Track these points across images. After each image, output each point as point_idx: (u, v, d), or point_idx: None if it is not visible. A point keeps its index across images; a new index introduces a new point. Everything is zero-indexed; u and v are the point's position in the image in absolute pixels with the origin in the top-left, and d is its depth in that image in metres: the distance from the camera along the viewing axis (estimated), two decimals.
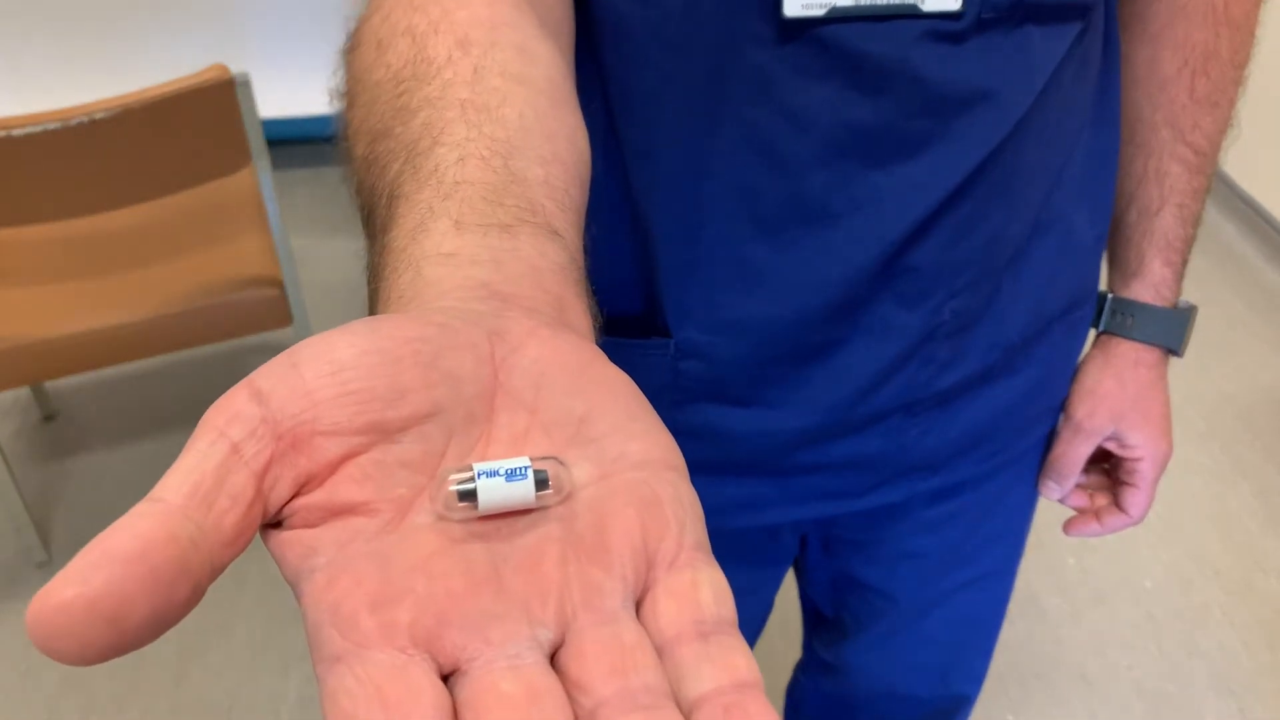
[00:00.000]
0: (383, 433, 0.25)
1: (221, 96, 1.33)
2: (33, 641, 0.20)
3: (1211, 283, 2.29)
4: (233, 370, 2.04)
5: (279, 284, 1.53)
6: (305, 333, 1.59)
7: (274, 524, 0.24)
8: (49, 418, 1.94)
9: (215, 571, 0.22)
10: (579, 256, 0.35)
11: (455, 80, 0.38)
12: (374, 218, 0.37)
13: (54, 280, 1.55)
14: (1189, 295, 0.70)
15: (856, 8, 0.49)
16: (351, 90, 0.43)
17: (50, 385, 1.97)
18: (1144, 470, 0.73)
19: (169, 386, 2.01)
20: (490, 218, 0.32)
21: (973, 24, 0.50)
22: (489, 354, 0.27)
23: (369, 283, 0.35)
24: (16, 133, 1.23)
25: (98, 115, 1.26)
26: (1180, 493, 1.80)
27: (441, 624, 0.22)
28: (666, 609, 0.24)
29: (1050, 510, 1.76)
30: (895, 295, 0.57)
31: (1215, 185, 2.51)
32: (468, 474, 0.24)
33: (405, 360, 0.25)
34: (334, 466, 0.24)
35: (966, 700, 0.89)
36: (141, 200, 1.43)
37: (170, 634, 1.57)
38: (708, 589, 0.24)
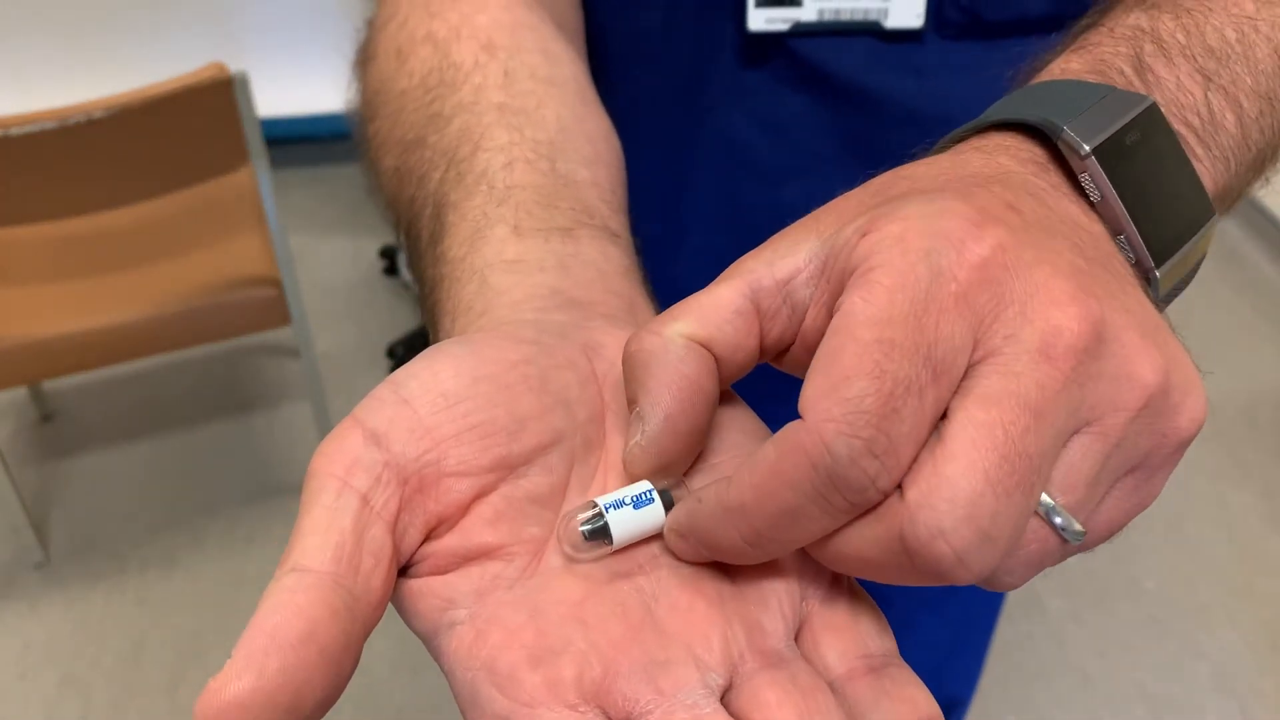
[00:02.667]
0: (509, 468, 0.24)
1: (219, 95, 1.33)
2: None
3: (1214, 282, 2.29)
4: (231, 370, 2.04)
5: (277, 283, 1.52)
6: (304, 332, 1.59)
7: (400, 572, 0.23)
8: (46, 418, 1.93)
9: (367, 635, 0.21)
10: (636, 257, 0.34)
11: (487, 84, 0.37)
12: (417, 229, 0.36)
13: (50, 280, 1.55)
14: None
15: (820, 24, 0.49)
16: (373, 102, 0.42)
17: (48, 385, 1.96)
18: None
19: (167, 387, 2.00)
20: (548, 222, 0.32)
21: (934, 41, 0.50)
22: (590, 372, 0.26)
23: (425, 295, 0.34)
24: (14, 132, 1.22)
25: (95, 114, 1.25)
26: (1183, 493, 1.80)
27: (609, 675, 0.21)
28: (831, 645, 0.23)
29: None
30: None
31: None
32: (594, 511, 0.23)
33: (516, 386, 0.24)
34: (464, 508, 0.23)
35: (961, 703, 0.89)
36: (139, 199, 1.43)
37: (167, 637, 1.57)
38: (867, 620, 0.24)
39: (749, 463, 0.21)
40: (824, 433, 0.20)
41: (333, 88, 2.48)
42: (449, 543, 0.23)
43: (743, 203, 0.55)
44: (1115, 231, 0.26)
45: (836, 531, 0.22)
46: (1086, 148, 0.26)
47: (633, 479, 0.24)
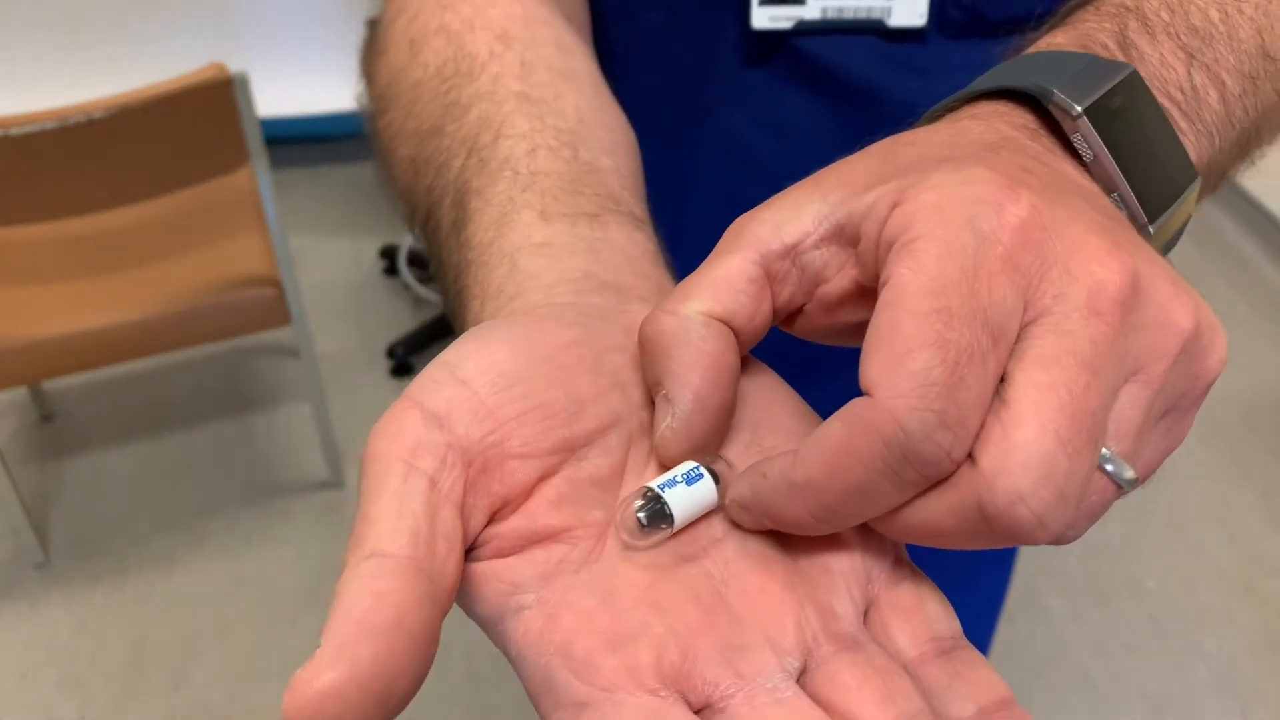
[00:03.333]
0: (570, 449, 0.24)
1: (219, 95, 1.33)
2: None
3: (1214, 282, 2.29)
4: (231, 370, 2.04)
5: (277, 284, 1.52)
6: (304, 332, 1.59)
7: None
8: (47, 418, 1.93)
9: (442, 621, 0.21)
10: (660, 242, 0.34)
11: (504, 74, 0.37)
12: (437, 217, 0.36)
13: (50, 280, 1.55)
14: None
15: (823, 22, 0.49)
16: (385, 94, 0.42)
17: (48, 386, 1.96)
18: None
19: (166, 387, 2.00)
20: (574, 207, 0.32)
21: (937, 40, 0.50)
22: (638, 354, 0.26)
23: (449, 281, 0.34)
24: (14, 132, 1.22)
25: (95, 114, 1.25)
26: (1183, 493, 1.80)
27: (687, 660, 0.21)
28: (900, 628, 0.23)
29: None
30: None
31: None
32: (649, 495, 0.23)
33: (573, 367, 0.24)
34: (528, 490, 0.23)
35: None
36: (139, 199, 1.43)
37: (167, 637, 1.57)
38: (933, 603, 0.24)
39: (815, 440, 0.21)
40: (895, 409, 0.20)
41: (333, 88, 2.48)
42: (513, 525, 0.23)
43: (744, 202, 0.54)
44: (1108, 190, 0.27)
45: (906, 504, 0.22)
46: (1078, 108, 0.26)
47: (667, 463, 0.24)
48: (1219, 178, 0.34)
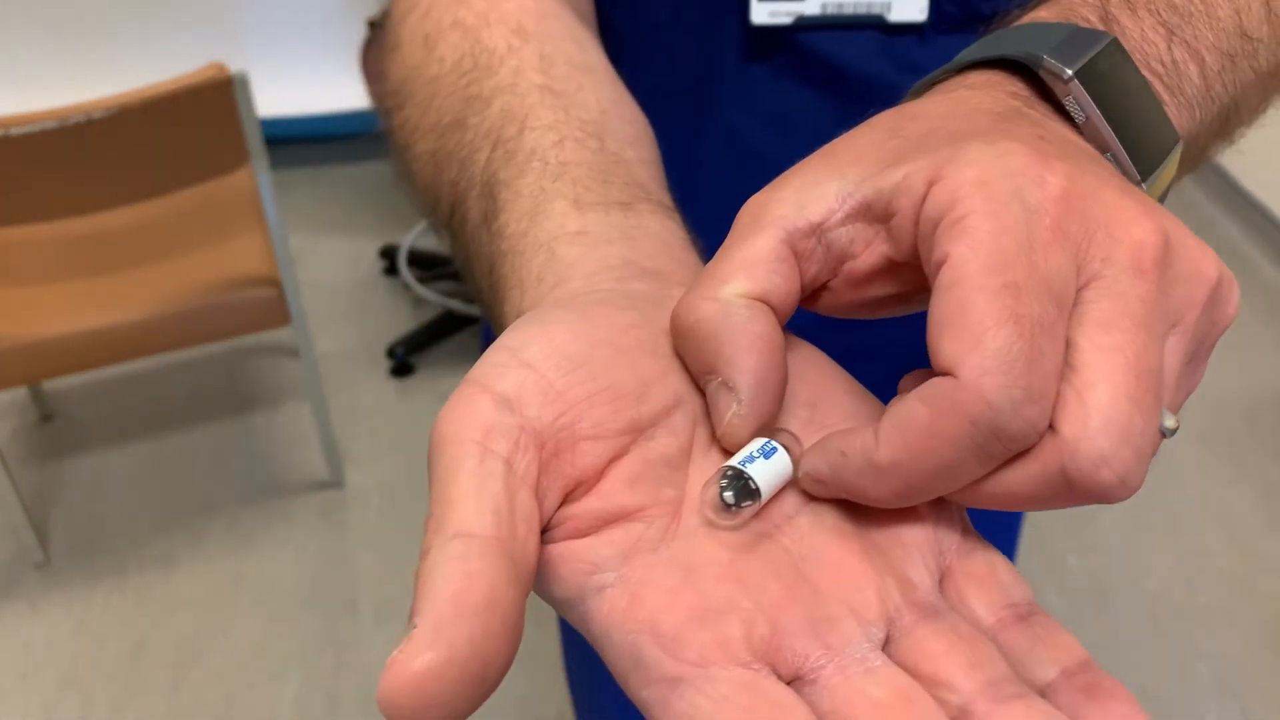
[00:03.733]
0: (638, 430, 0.24)
1: (219, 95, 1.33)
2: (392, 718, 0.19)
3: None
4: (231, 370, 2.04)
5: (277, 284, 1.52)
6: (304, 332, 1.59)
7: None
8: (46, 418, 1.93)
9: (525, 601, 0.21)
10: (689, 230, 0.35)
11: (524, 67, 0.37)
12: (463, 210, 0.37)
13: (50, 280, 1.55)
14: None
15: (823, 17, 0.49)
16: (400, 90, 0.42)
17: (48, 386, 1.96)
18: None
19: (166, 387, 2.00)
20: (607, 196, 0.32)
21: (936, 34, 0.50)
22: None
23: (484, 272, 0.34)
24: (14, 132, 1.22)
25: (95, 114, 1.25)
26: (1183, 493, 1.80)
27: (776, 633, 0.21)
28: (975, 596, 0.23)
29: (1051, 510, 1.76)
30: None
31: (1216, 185, 2.51)
32: (732, 474, 0.23)
33: (634, 349, 0.25)
34: (600, 471, 0.23)
35: None
36: (139, 199, 1.43)
37: (167, 636, 1.57)
38: (1004, 570, 0.24)
39: (897, 423, 0.22)
40: (984, 388, 0.20)
41: (333, 88, 2.48)
42: (589, 506, 0.23)
43: (747, 198, 0.55)
44: (1101, 150, 0.28)
45: (988, 476, 0.22)
46: (1069, 71, 0.27)
47: (735, 449, 0.24)
48: (1200, 152, 0.35)
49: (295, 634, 1.57)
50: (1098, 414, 0.21)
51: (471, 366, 0.24)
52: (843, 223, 0.25)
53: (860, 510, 0.24)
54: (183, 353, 2.02)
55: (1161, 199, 0.30)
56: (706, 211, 0.55)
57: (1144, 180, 0.28)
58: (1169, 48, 0.32)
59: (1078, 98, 0.27)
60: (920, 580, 0.23)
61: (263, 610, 1.60)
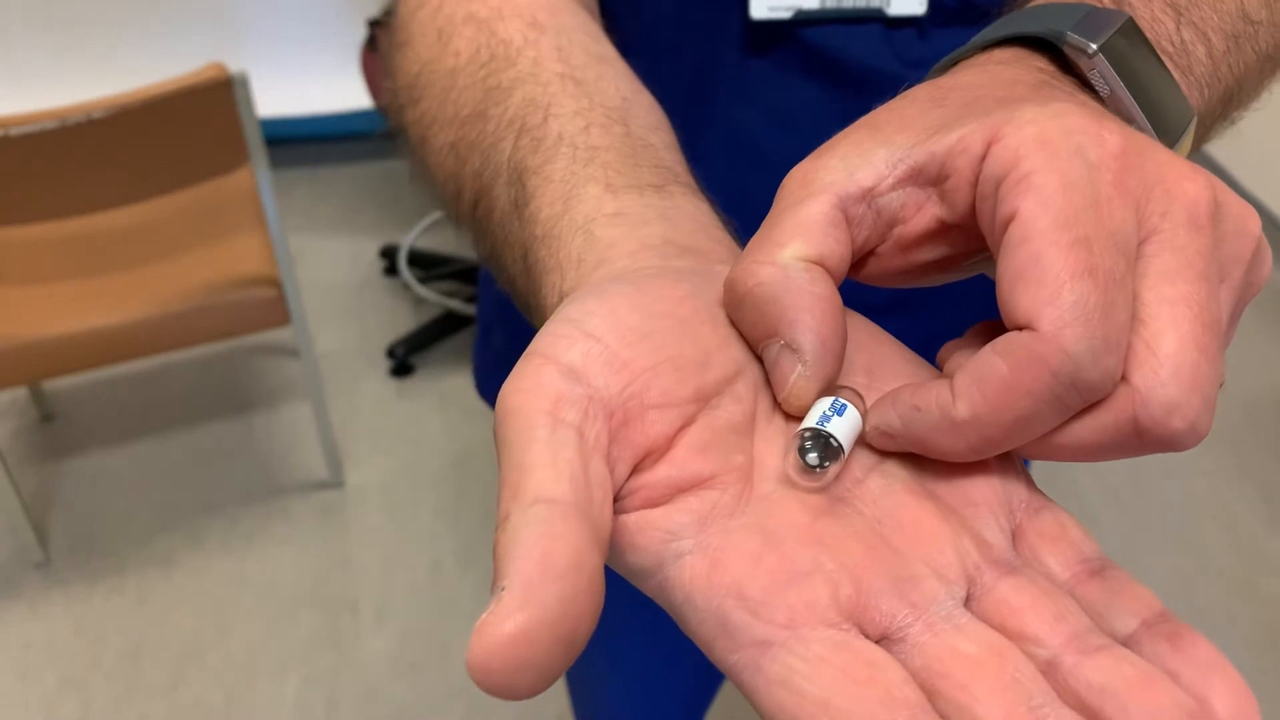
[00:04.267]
0: (704, 398, 0.24)
1: (219, 95, 1.33)
2: (485, 684, 0.19)
3: None
4: (231, 370, 2.04)
5: (277, 284, 1.52)
6: (304, 332, 1.59)
7: None
8: (47, 418, 1.93)
9: (604, 566, 0.21)
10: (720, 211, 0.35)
11: (543, 58, 0.37)
12: (490, 199, 0.37)
13: (50, 280, 1.55)
14: None
15: (822, 11, 0.49)
16: (414, 85, 0.42)
17: (48, 385, 1.96)
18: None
19: (166, 387, 2.00)
20: (639, 179, 0.32)
21: (937, 28, 0.50)
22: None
23: (517, 258, 0.34)
24: (14, 132, 1.22)
25: (95, 114, 1.25)
26: (1183, 493, 1.80)
27: (862, 593, 0.22)
28: (1050, 552, 0.24)
29: None
30: (889, 301, 0.58)
31: None
32: (812, 436, 0.24)
33: (692, 320, 0.25)
34: (669, 439, 0.23)
35: None
36: (139, 199, 1.43)
37: (168, 635, 1.57)
38: (1073, 527, 0.24)
39: (976, 377, 0.22)
40: (1064, 340, 0.21)
41: (332, 88, 2.48)
42: (661, 474, 0.23)
43: (750, 193, 0.55)
44: (1127, 122, 0.28)
45: (1061, 428, 0.22)
46: (1094, 46, 0.28)
47: (800, 412, 0.24)
48: (1204, 133, 0.35)
49: (295, 634, 1.57)
50: (1168, 363, 0.21)
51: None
52: (894, 187, 0.25)
53: (930, 471, 0.24)
54: (183, 353, 2.02)
55: None
56: None
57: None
58: (1178, 29, 0.32)
59: (1102, 72, 0.28)
60: (995, 539, 0.24)
61: (263, 610, 1.60)
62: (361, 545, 1.70)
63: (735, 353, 0.25)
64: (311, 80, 2.50)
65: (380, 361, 2.06)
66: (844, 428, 0.24)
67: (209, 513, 1.75)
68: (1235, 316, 0.25)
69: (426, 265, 2.27)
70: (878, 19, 0.49)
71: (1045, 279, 0.21)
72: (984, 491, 0.24)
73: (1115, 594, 0.23)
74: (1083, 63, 0.28)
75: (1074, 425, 0.22)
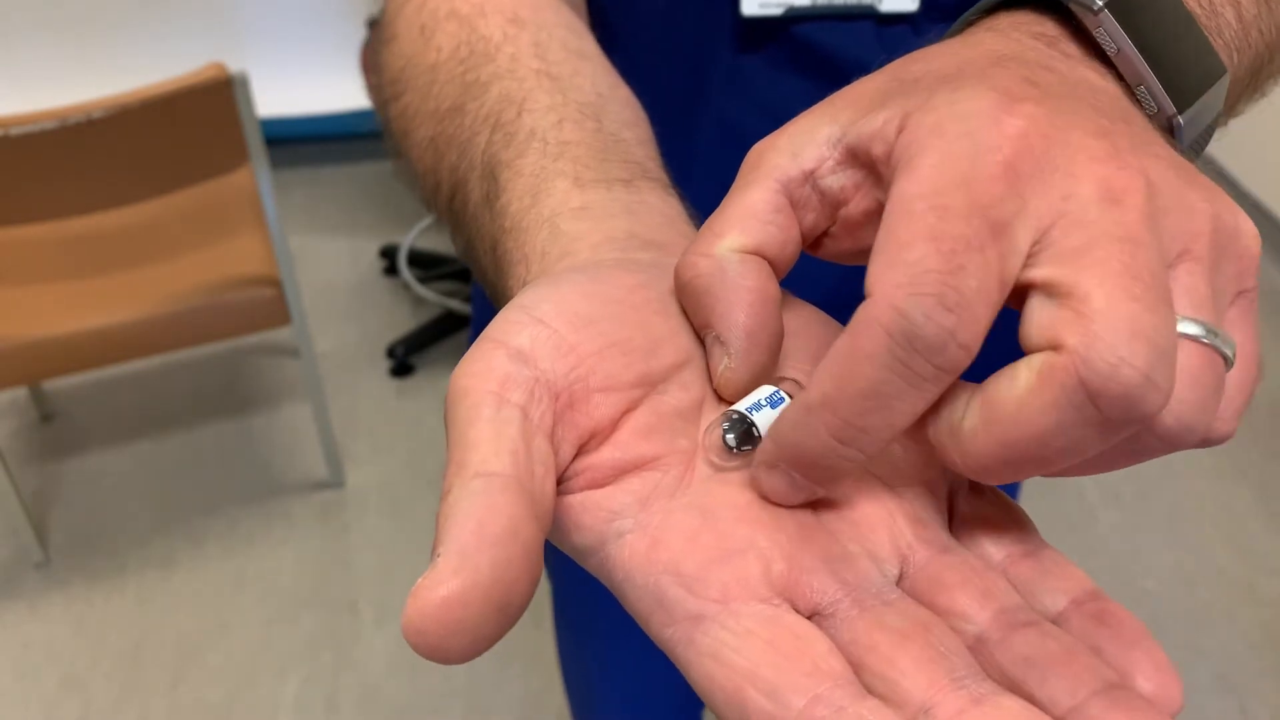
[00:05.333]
0: (650, 384, 0.25)
1: (219, 95, 1.33)
2: (418, 646, 0.19)
3: None
4: (231, 370, 2.04)
5: (277, 284, 1.52)
6: (304, 332, 1.59)
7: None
8: (47, 418, 1.93)
9: (544, 540, 0.22)
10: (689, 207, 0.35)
11: (521, 54, 0.38)
12: (464, 193, 0.37)
13: (50, 280, 1.55)
14: None
15: (814, 8, 0.49)
16: (398, 80, 0.43)
17: (48, 386, 1.96)
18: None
19: (166, 387, 2.00)
20: (607, 173, 0.33)
21: (930, 24, 0.50)
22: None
23: (486, 250, 0.35)
24: (14, 132, 1.22)
25: (95, 114, 1.25)
26: (1183, 493, 1.80)
27: (794, 570, 0.22)
28: (985, 536, 0.24)
29: (1051, 510, 1.76)
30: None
31: (1217, 184, 2.51)
32: (735, 418, 0.24)
33: (643, 309, 0.25)
34: (614, 422, 0.24)
35: None
36: (139, 199, 1.43)
37: (168, 635, 1.57)
38: (1012, 510, 0.25)
39: (825, 357, 0.22)
40: (894, 298, 0.20)
41: (332, 88, 2.48)
42: (605, 455, 0.24)
43: None
44: (1135, 83, 0.27)
45: (1010, 415, 0.21)
46: (1099, 2, 0.27)
47: (730, 401, 0.25)
48: (1233, 102, 0.34)
49: (295, 634, 1.57)
50: (1101, 316, 0.20)
51: None
52: (834, 170, 0.25)
53: (871, 460, 0.24)
54: (183, 353, 2.02)
55: (1209, 132, 0.30)
56: (701, 202, 0.55)
57: (1182, 112, 0.27)
58: None
59: (1108, 29, 0.27)
60: (930, 520, 0.24)
61: (263, 610, 1.60)
62: (361, 545, 1.70)
63: (684, 341, 0.26)
64: (311, 80, 2.50)
65: (380, 361, 2.06)
66: (769, 418, 0.24)
67: (209, 513, 1.75)
68: (1248, 295, 0.24)
69: (426, 265, 2.27)
70: (869, 15, 0.49)
71: (889, 247, 0.21)
72: (923, 475, 0.24)
73: (1047, 574, 0.23)
74: (1088, 20, 0.27)
75: (1019, 410, 0.21)
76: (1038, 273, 0.21)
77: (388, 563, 1.67)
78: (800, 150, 0.25)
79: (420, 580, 0.19)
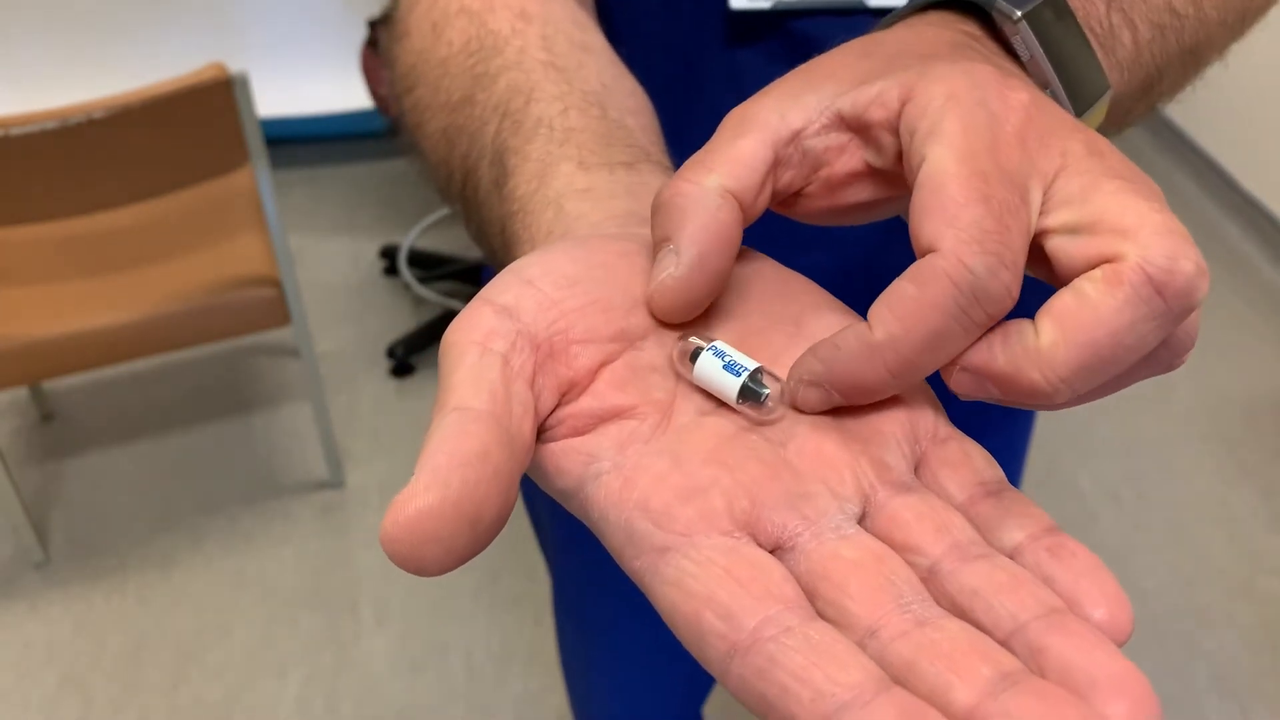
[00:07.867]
0: (628, 340, 0.26)
1: (219, 96, 1.33)
2: (394, 555, 0.21)
3: (1213, 283, 2.29)
4: (231, 370, 2.04)
5: (277, 284, 1.52)
6: (304, 332, 1.59)
7: (538, 439, 0.25)
8: (47, 418, 1.93)
9: (519, 478, 0.23)
10: None
11: (528, 47, 0.40)
12: (475, 180, 0.39)
13: (51, 280, 1.55)
14: None
15: (802, 2, 0.50)
16: (410, 74, 0.45)
17: (48, 385, 1.96)
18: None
19: (166, 387, 2.00)
20: (611, 158, 0.35)
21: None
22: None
23: (495, 233, 0.37)
24: (14, 132, 1.22)
25: (96, 114, 1.25)
26: (1182, 493, 1.80)
27: (756, 506, 0.23)
28: (949, 477, 0.25)
29: (1050, 510, 1.76)
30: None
31: (1216, 185, 2.51)
32: (706, 343, 0.26)
33: (626, 270, 0.27)
34: (592, 374, 0.26)
35: None
36: (139, 200, 1.43)
37: (168, 635, 1.57)
38: (978, 455, 0.26)
39: (888, 301, 0.24)
40: (962, 254, 0.23)
41: (333, 88, 2.48)
42: (584, 405, 0.25)
43: None
44: (1043, 85, 0.31)
45: (1091, 322, 0.23)
46: (1019, 13, 0.31)
47: (658, 313, 0.26)
48: (1124, 114, 0.38)
49: (295, 634, 1.57)
50: (1142, 229, 0.23)
51: None
52: (819, 132, 0.27)
53: (844, 411, 0.26)
54: (183, 353, 2.02)
55: None
56: None
57: (1080, 116, 0.32)
58: (1108, 12, 0.36)
59: (1025, 38, 0.31)
60: (895, 463, 0.25)
61: (263, 610, 1.60)
62: (361, 545, 1.70)
63: None
64: (311, 80, 2.50)
65: (380, 361, 2.06)
66: (715, 372, 0.25)
67: (209, 513, 1.75)
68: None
69: (426, 265, 2.27)
70: (858, 10, 0.50)
71: (946, 206, 0.23)
72: (891, 423, 0.26)
73: (1006, 512, 0.24)
74: (1007, 28, 0.31)
75: (1103, 312, 0.23)
76: (1053, 219, 0.24)
77: (388, 563, 1.67)
78: (787, 111, 0.27)
79: (398, 495, 0.21)
